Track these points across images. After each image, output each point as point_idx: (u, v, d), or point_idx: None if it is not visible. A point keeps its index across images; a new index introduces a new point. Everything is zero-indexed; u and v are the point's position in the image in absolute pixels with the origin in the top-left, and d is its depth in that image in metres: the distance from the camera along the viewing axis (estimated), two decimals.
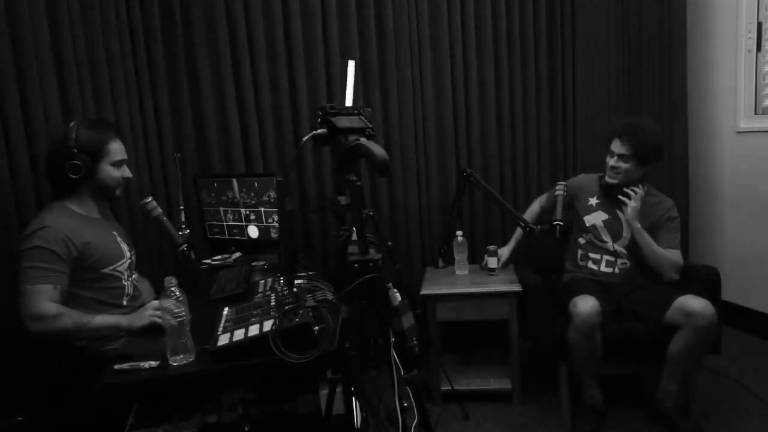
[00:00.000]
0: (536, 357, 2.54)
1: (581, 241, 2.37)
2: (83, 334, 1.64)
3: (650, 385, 2.17)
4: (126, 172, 1.85)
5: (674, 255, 2.19)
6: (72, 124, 1.75)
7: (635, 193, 2.17)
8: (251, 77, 2.64)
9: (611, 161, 2.22)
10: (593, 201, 2.35)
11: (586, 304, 1.98)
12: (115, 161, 1.79)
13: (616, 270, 2.30)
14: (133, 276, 1.91)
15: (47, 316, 1.58)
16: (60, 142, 1.72)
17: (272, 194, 2.37)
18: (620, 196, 2.19)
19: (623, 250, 2.29)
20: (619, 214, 2.28)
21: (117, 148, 1.80)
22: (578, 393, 2.22)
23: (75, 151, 1.69)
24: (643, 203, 2.18)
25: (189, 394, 1.52)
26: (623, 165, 2.19)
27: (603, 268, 2.31)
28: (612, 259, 2.30)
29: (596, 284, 2.26)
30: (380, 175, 1.19)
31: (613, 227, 2.29)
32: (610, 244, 2.29)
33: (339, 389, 1.40)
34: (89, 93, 2.27)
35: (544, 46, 2.95)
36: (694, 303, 1.96)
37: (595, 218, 2.33)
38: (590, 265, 2.34)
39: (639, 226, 2.16)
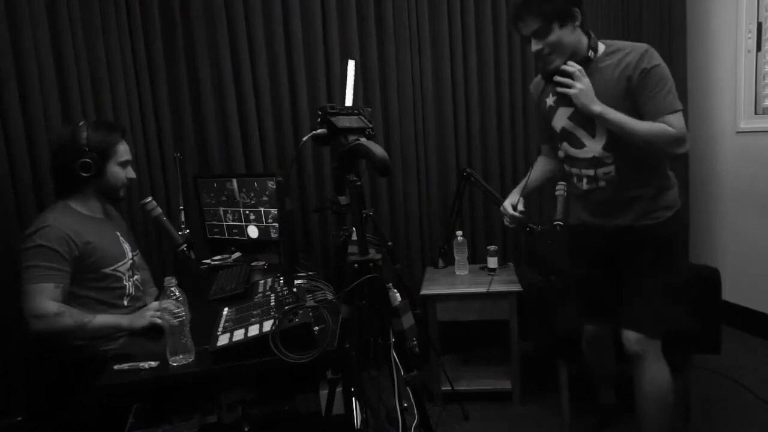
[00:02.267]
0: (536, 357, 2.54)
1: (561, 154, 1.87)
2: (83, 333, 1.64)
3: None
4: (130, 172, 1.87)
5: (662, 126, 1.57)
6: (81, 123, 1.77)
7: (575, 70, 1.61)
8: (251, 77, 2.63)
9: (533, 49, 1.66)
10: (550, 101, 1.80)
11: (592, 331, 1.98)
12: (122, 162, 1.82)
13: (600, 184, 1.75)
14: (136, 276, 1.92)
15: (49, 314, 1.59)
16: (69, 141, 1.72)
17: (271, 187, 2.37)
18: (556, 79, 1.64)
19: (603, 152, 1.71)
20: None
21: (123, 149, 1.83)
22: (591, 391, 2.22)
23: (86, 149, 1.71)
24: (603, 72, 1.63)
25: (189, 394, 1.52)
26: (543, 44, 1.62)
27: (585, 186, 1.79)
28: (591, 173, 1.75)
29: (594, 246, 1.88)
30: (380, 175, 1.19)
31: (587, 122, 1.71)
32: (588, 148, 1.74)
33: (339, 389, 1.40)
34: (89, 93, 2.27)
35: None
36: (644, 364, 1.75)
37: (560, 119, 1.77)
38: (577, 183, 1.84)
39: (599, 108, 1.59)
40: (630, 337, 1.73)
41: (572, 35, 1.61)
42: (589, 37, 1.66)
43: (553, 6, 1.58)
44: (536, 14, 1.61)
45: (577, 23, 1.61)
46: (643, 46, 1.60)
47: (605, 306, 1.90)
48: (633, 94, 1.60)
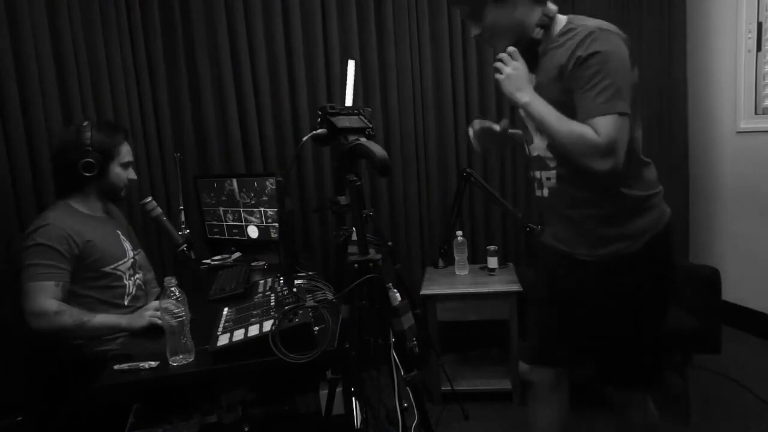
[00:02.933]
0: None
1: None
2: (83, 332, 1.64)
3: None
4: (132, 174, 1.87)
5: (583, 130, 1.22)
6: (85, 123, 1.77)
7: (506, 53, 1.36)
8: (251, 77, 2.64)
9: (472, 34, 1.43)
10: None
11: (546, 377, 1.59)
12: (124, 163, 1.83)
13: (544, 192, 1.46)
14: (137, 275, 1.92)
15: (48, 312, 1.59)
16: (73, 141, 1.73)
17: (270, 187, 2.37)
18: (495, 66, 1.38)
19: (546, 152, 1.41)
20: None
21: (126, 150, 1.84)
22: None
23: (89, 149, 1.71)
24: (551, 57, 1.31)
25: (189, 394, 1.52)
26: (480, 28, 1.39)
27: (536, 192, 1.50)
28: (538, 175, 1.47)
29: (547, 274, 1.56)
30: (380, 175, 1.19)
31: None
32: (535, 145, 1.45)
33: (339, 389, 1.40)
34: (89, 93, 2.27)
35: None
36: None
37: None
38: (535, 188, 1.52)
39: (525, 98, 1.31)
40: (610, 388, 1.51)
41: (514, 13, 1.33)
42: (545, 13, 1.34)
43: None
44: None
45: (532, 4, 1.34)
46: (594, 25, 1.25)
47: (564, 347, 1.55)
48: (569, 89, 1.26)
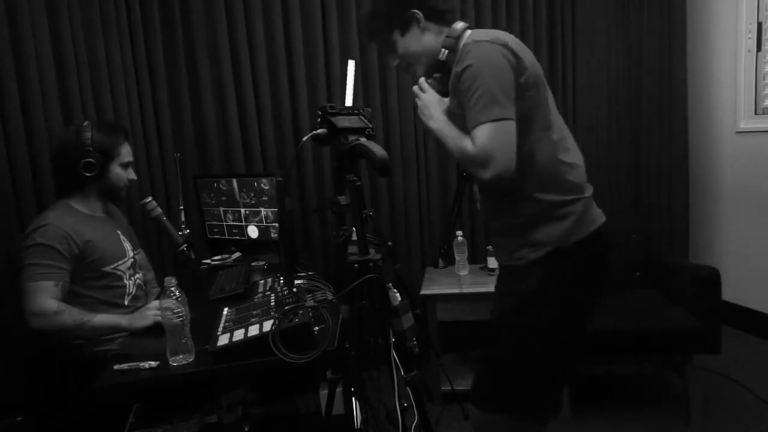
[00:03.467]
0: None
1: None
2: (83, 332, 1.64)
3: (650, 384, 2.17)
4: (132, 174, 1.87)
5: (463, 142, 1.23)
6: (86, 123, 1.77)
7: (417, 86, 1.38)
8: (251, 77, 2.63)
9: (393, 65, 1.50)
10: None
11: None
12: (124, 163, 1.83)
13: (479, 206, 1.51)
14: (137, 275, 1.92)
15: (48, 312, 1.59)
16: (73, 141, 1.73)
17: (263, 187, 2.37)
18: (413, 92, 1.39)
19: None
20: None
21: (126, 151, 1.84)
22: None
23: (90, 149, 1.71)
24: (451, 76, 1.29)
25: (189, 394, 1.52)
26: (397, 58, 1.44)
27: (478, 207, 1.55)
28: (475, 189, 1.51)
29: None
30: (380, 175, 1.19)
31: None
32: None
33: (339, 389, 1.40)
34: (89, 93, 2.27)
35: (544, 48, 2.95)
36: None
37: None
38: None
39: (433, 125, 1.32)
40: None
41: (421, 39, 1.37)
42: (449, 34, 1.34)
43: (381, 20, 1.40)
44: (371, 34, 1.49)
45: (421, 24, 1.36)
46: (471, 39, 1.25)
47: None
48: (461, 105, 1.24)
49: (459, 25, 1.36)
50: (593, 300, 1.35)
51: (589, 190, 1.35)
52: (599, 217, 1.35)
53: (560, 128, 1.34)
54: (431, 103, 1.33)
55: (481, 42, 1.21)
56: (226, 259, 2.49)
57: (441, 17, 1.37)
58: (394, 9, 1.37)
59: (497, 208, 1.36)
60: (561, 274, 1.28)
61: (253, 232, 2.51)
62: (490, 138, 1.17)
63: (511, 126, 1.18)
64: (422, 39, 1.37)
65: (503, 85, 1.19)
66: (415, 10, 1.35)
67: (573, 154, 1.34)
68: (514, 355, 1.33)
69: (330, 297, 1.73)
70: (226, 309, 1.65)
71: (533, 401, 1.34)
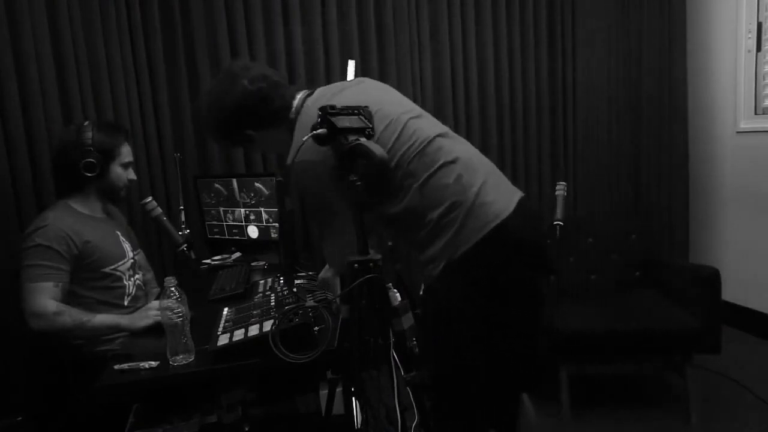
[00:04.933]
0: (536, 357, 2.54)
1: None
2: (82, 332, 1.64)
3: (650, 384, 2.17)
4: (132, 174, 1.87)
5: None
6: (86, 123, 1.77)
7: None
8: None
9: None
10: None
11: None
12: (124, 163, 1.82)
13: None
14: (137, 276, 1.92)
15: (47, 313, 1.59)
16: (74, 141, 1.73)
17: (259, 188, 2.37)
18: None
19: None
20: None
21: (127, 151, 1.84)
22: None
23: (91, 149, 1.71)
24: None
25: (189, 394, 1.52)
26: (262, 150, 1.54)
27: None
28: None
29: None
30: (378, 176, 1.19)
31: None
32: None
33: (339, 389, 1.40)
34: (89, 93, 2.27)
35: (544, 48, 2.95)
36: None
37: None
38: None
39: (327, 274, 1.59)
40: None
41: (271, 136, 1.43)
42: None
43: (222, 143, 1.46)
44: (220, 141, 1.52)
45: (260, 132, 1.40)
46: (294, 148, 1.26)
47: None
48: None
49: (295, 104, 1.39)
50: (519, 301, 1.35)
51: (473, 186, 1.27)
52: (498, 213, 1.26)
53: (423, 137, 1.31)
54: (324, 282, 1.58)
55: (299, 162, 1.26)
56: (226, 259, 2.49)
57: (275, 118, 1.39)
58: (229, 138, 1.44)
59: (404, 237, 1.43)
60: (458, 288, 1.28)
61: (253, 232, 2.51)
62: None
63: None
64: (272, 136, 1.43)
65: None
66: (248, 131, 1.39)
67: (445, 152, 1.29)
68: (446, 374, 1.35)
69: (330, 297, 1.73)
70: (226, 309, 1.65)
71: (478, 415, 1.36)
